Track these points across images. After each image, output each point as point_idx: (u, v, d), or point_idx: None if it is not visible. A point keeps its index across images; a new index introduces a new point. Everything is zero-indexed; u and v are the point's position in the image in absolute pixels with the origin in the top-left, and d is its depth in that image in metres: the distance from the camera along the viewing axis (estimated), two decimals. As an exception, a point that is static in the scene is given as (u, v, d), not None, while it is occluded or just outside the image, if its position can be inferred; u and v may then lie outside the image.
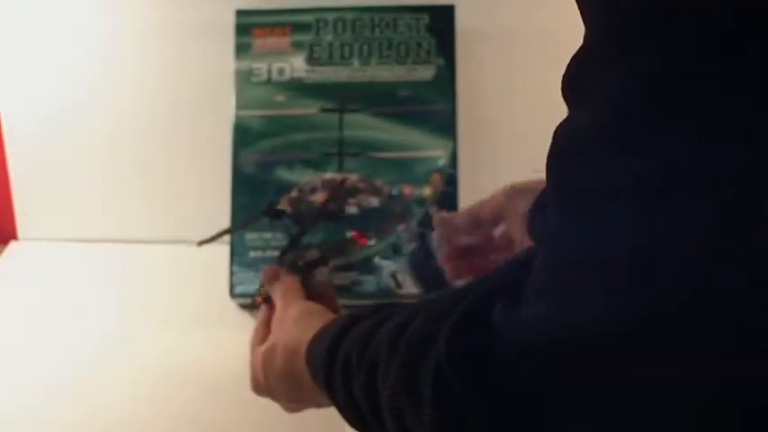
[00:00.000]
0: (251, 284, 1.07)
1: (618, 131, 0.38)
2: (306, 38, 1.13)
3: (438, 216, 0.90)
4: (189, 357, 1.04)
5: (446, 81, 1.11)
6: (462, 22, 1.13)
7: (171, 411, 0.97)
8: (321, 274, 0.93)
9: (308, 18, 1.13)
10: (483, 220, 0.86)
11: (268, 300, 0.84)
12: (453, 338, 0.47)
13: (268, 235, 1.08)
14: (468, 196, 1.05)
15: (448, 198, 1.09)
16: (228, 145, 1.11)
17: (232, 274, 1.09)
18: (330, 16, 1.13)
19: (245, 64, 1.13)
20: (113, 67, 1.19)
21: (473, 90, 1.17)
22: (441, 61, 1.12)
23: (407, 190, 1.09)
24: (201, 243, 0.97)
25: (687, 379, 0.38)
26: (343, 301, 0.86)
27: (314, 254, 0.94)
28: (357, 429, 0.62)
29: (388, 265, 1.06)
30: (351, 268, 1.07)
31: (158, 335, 1.07)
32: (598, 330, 0.39)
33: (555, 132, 0.43)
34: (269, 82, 1.12)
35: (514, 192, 0.83)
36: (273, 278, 0.85)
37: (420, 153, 1.10)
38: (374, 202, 1.08)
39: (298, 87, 1.12)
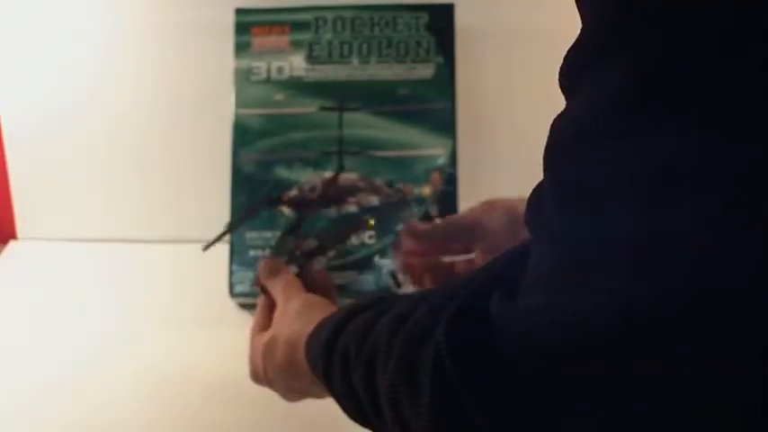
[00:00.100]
0: (250, 284, 1.07)
1: (618, 129, 0.38)
2: (305, 36, 1.13)
3: (407, 226, 0.93)
4: (189, 356, 1.04)
5: (446, 80, 1.11)
6: (462, 20, 1.12)
7: (171, 410, 0.97)
8: (319, 263, 0.93)
9: (308, 17, 1.13)
10: (457, 230, 0.87)
11: (266, 289, 0.84)
12: (452, 330, 0.47)
13: (268, 234, 1.08)
14: (468, 195, 1.05)
15: (447, 197, 1.09)
16: (228, 144, 1.11)
17: (232, 273, 1.09)
18: (329, 15, 1.13)
19: (245, 63, 1.12)
20: (113, 67, 1.19)
21: (473, 89, 1.17)
22: (440, 60, 1.12)
23: (407, 189, 1.09)
24: (207, 247, 0.97)
25: (688, 377, 0.38)
26: (342, 301, 0.86)
27: (312, 243, 0.94)
28: (356, 421, 0.62)
29: (387, 264, 1.06)
30: (350, 267, 1.07)
31: (158, 334, 1.07)
32: (599, 329, 0.39)
33: (552, 124, 0.43)
34: (268, 81, 1.12)
35: (489, 206, 0.84)
36: (273, 273, 0.85)
37: (419, 152, 1.10)
38: (374, 200, 1.08)
39: (297, 86, 1.12)
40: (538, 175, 0.44)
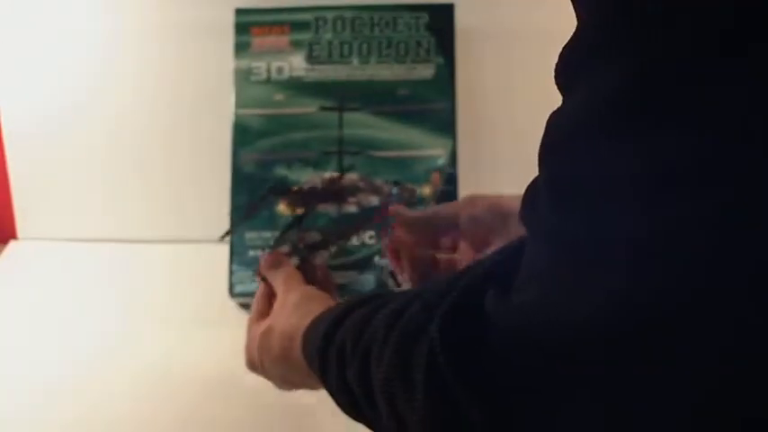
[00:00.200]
0: (250, 283, 1.07)
1: (616, 129, 0.38)
2: (305, 36, 1.13)
3: (394, 208, 0.93)
4: (188, 356, 1.04)
5: (446, 80, 1.11)
6: (462, 20, 1.12)
7: (171, 410, 0.97)
8: (321, 257, 0.94)
9: (308, 17, 1.13)
10: (438, 220, 0.87)
11: (266, 279, 0.85)
12: (446, 326, 0.47)
13: (267, 234, 1.08)
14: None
15: (447, 197, 1.08)
16: (228, 144, 1.11)
17: (231, 273, 1.09)
18: (329, 15, 1.13)
19: (245, 63, 1.12)
20: (113, 67, 1.19)
21: (473, 89, 1.17)
22: (440, 60, 1.12)
23: (410, 189, 1.09)
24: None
25: (687, 379, 0.38)
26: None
27: (315, 237, 0.94)
28: (350, 416, 0.62)
29: (387, 264, 1.06)
30: (350, 267, 1.07)
31: (158, 334, 1.07)
32: (598, 329, 0.39)
33: (548, 121, 0.43)
34: (268, 81, 1.12)
35: (470, 201, 0.85)
36: (274, 265, 0.85)
37: (419, 152, 1.10)
38: (374, 200, 1.08)
39: (297, 86, 1.12)
40: (538, 175, 0.44)
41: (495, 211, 0.81)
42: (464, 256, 0.83)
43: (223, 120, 1.12)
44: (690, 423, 0.39)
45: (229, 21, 1.13)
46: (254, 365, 0.79)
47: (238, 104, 1.12)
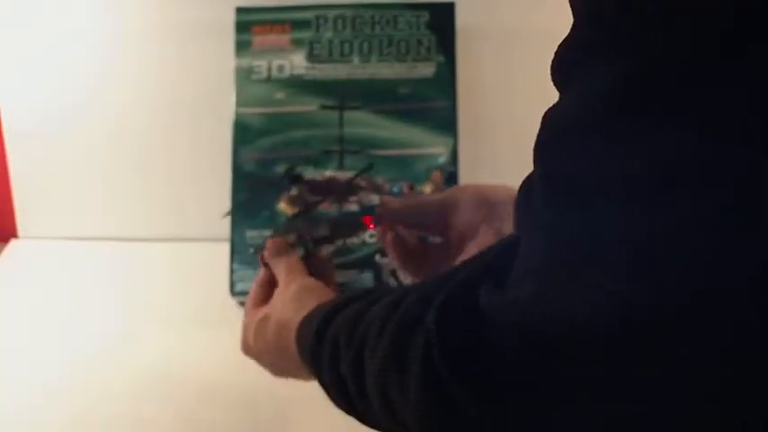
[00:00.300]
0: (251, 282, 1.07)
1: (614, 129, 0.38)
2: (306, 35, 1.13)
3: (384, 198, 0.93)
4: (189, 356, 1.04)
5: (446, 78, 1.11)
6: (462, 19, 1.12)
7: (171, 409, 0.97)
8: (326, 250, 0.94)
9: (308, 15, 1.13)
10: (424, 209, 0.87)
11: (268, 265, 0.85)
12: (442, 319, 0.47)
13: (268, 233, 1.07)
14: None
15: (448, 196, 1.08)
16: (228, 142, 1.11)
17: (232, 271, 1.09)
18: (330, 13, 1.13)
19: (245, 61, 1.12)
20: (113, 67, 1.19)
21: (473, 87, 1.16)
22: (441, 58, 1.12)
23: (408, 187, 1.09)
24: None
25: (687, 380, 0.38)
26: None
27: (324, 230, 0.94)
28: (342, 410, 0.62)
29: (387, 263, 1.06)
30: (351, 266, 1.07)
31: (158, 333, 1.07)
32: (598, 330, 0.39)
33: (544, 117, 0.43)
34: (269, 79, 1.12)
35: (458, 190, 0.86)
36: (279, 253, 0.85)
37: (420, 150, 1.10)
38: (375, 199, 1.08)
39: (298, 84, 1.12)
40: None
41: (481, 199, 0.81)
42: (452, 244, 0.83)
43: (223, 119, 1.12)
44: (690, 424, 0.39)
45: (230, 19, 1.13)
46: (248, 350, 0.80)
47: (239, 103, 1.12)
